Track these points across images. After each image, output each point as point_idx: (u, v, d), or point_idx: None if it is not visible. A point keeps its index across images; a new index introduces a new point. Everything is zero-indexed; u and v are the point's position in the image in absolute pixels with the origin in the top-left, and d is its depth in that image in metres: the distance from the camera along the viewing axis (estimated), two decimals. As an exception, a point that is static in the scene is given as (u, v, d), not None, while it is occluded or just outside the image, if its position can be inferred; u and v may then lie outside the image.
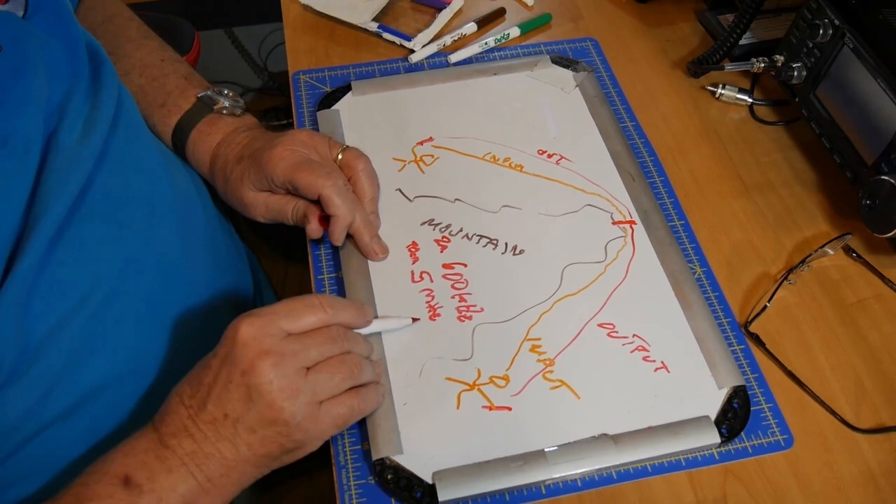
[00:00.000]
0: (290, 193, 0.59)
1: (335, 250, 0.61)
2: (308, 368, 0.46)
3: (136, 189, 0.55)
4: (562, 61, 0.75)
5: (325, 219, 0.58)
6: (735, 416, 0.52)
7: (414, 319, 0.56)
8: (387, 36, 0.77)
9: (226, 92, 0.65)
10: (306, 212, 0.58)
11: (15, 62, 0.48)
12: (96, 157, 0.52)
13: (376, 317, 0.55)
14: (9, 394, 0.45)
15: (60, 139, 0.49)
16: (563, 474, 0.49)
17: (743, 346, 0.56)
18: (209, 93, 0.64)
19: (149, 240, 0.55)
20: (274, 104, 1.61)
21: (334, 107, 0.70)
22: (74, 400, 0.49)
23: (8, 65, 0.48)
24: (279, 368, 0.44)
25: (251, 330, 0.45)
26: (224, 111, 0.64)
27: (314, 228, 0.58)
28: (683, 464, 0.51)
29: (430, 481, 0.49)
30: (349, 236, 0.59)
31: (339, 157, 0.60)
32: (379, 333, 0.55)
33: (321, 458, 0.51)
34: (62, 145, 0.49)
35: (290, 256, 0.83)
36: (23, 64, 0.49)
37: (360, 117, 0.70)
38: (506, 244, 0.61)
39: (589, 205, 0.63)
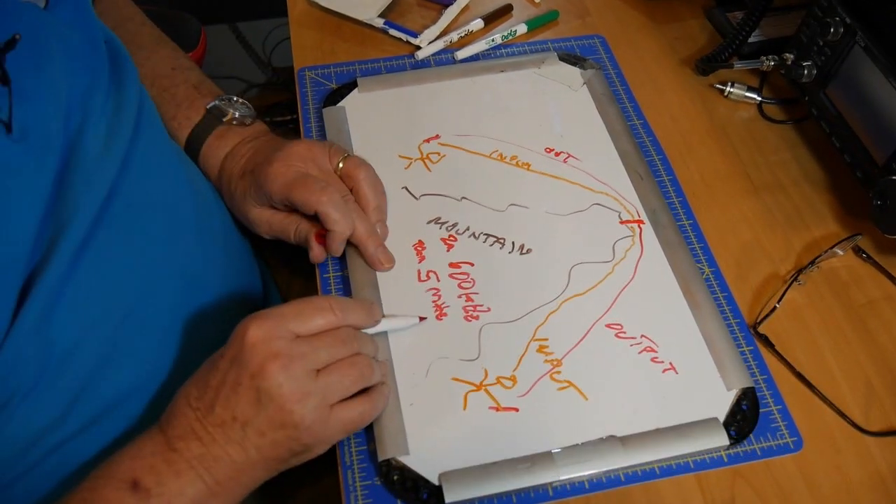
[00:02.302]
0: (293, 211, 0.58)
1: (341, 249, 0.61)
2: (318, 371, 0.46)
3: (157, 196, 0.55)
4: (569, 58, 0.74)
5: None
6: (744, 418, 0.52)
7: (421, 319, 0.55)
8: (393, 32, 0.76)
9: (235, 99, 0.64)
10: (308, 235, 0.58)
11: (35, 53, 0.47)
12: (120, 163, 0.51)
13: (383, 316, 0.54)
14: (31, 406, 0.44)
15: (85, 143, 0.48)
16: (571, 476, 0.49)
17: (752, 348, 0.56)
18: (218, 102, 0.64)
19: (170, 249, 0.54)
20: (278, 99, 1.60)
21: (340, 104, 0.70)
22: (96, 412, 0.48)
23: (28, 55, 0.46)
24: (289, 371, 0.44)
25: (260, 332, 0.44)
26: (234, 122, 0.64)
27: (317, 255, 0.58)
28: (692, 466, 0.51)
29: (436, 482, 0.49)
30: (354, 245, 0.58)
31: (340, 165, 0.59)
32: (385, 333, 0.55)
33: (327, 460, 0.51)
34: (87, 150, 0.48)
35: (293, 265, 0.81)
36: (43, 55, 0.48)
37: (366, 114, 0.69)
38: (513, 243, 0.60)
39: (597, 204, 0.63)
